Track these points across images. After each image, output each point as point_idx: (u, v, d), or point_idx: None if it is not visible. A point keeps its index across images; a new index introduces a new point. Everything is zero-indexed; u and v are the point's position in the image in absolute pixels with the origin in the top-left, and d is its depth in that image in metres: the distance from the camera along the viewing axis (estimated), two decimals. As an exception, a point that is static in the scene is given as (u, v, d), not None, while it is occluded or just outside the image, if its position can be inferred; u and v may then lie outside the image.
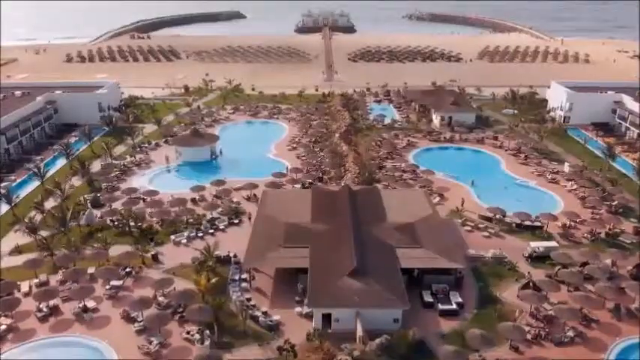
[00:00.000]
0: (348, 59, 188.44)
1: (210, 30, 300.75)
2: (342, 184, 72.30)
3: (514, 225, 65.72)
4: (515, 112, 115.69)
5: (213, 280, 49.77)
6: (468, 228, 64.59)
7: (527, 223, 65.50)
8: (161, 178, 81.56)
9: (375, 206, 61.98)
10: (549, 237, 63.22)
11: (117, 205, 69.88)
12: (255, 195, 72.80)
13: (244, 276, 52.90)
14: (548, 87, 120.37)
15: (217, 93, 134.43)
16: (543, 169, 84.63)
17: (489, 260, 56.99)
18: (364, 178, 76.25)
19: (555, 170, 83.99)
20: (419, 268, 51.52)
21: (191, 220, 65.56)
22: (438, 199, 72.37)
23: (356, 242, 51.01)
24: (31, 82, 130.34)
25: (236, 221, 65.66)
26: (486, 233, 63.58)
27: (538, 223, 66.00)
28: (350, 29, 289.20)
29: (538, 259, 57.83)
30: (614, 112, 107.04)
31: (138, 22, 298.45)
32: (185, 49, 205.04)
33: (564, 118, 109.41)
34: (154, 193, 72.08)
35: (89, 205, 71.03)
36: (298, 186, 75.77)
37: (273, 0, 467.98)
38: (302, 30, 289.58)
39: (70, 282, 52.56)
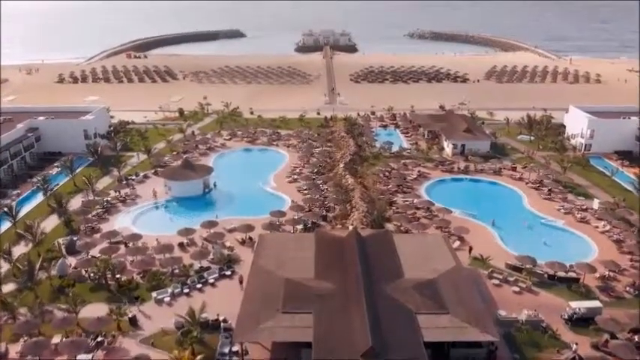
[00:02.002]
0: (351, 80, 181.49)
1: (210, 49, 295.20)
2: (350, 227, 64.17)
3: (546, 276, 57.67)
4: (532, 138, 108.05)
5: (199, 358, 41.30)
6: (496, 281, 56.32)
7: (562, 274, 57.44)
8: (147, 217, 73.49)
9: (389, 257, 53.80)
10: (588, 292, 55.13)
11: (95, 251, 61.79)
12: (250, 238, 64.77)
13: (236, 348, 44.51)
14: (566, 111, 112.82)
15: (214, 117, 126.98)
16: (570, 205, 76.63)
17: (524, 324, 48.64)
18: (374, 218, 68.18)
19: (584, 207, 75.98)
20: (446, 342, 43.19)
21: (177, 271, 57.38)
22: (457, 242, 64.23)
23: (369, 311, 42.67)
24: (14, 106, 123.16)
25: (228, 272, 57.40)
26: (517, 288, 55.31)
27: (573, 274, 58.00)
28: (351, 48, 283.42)
29: (580, 320, 49.62)
30: (638, 139, 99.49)
31: (135, 40, 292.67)
32: (182, 69, 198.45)
33: (585, 145, 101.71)
34: (136, 237, 63.90)
35: (64, 250, 63.03)
36: (300, 227, 67.74)
37: (273, 18, 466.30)
38: (302, 49, 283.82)
39: (31, 357, 44.18)
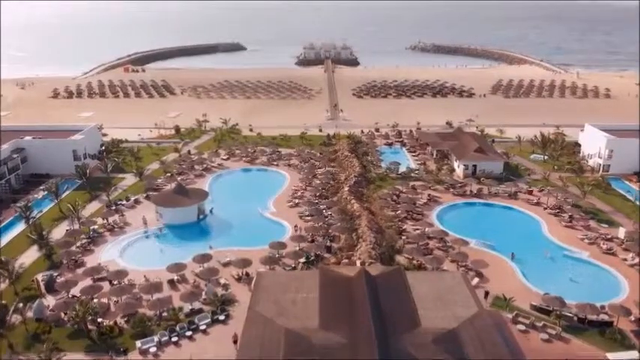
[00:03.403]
0: (353, 95, 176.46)
1: (209, 62, 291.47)
2: (357, 261, 58.42)
3: (576, 319, 51.80)
4: (546, 157, 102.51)
5: None
6: (522, 327, 50.37)
7: (593, 317, 51.58)
8: (135, 249, 67.58)
9: (403, 301, 47.77)
10: (623, 338, 49.23)
11: (76, 289, 55.96)
12: (247, 274, 58.93)
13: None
14: (581, 129, 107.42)
15: (212, 134, 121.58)
16: (594, 234, 70.79)
17: (559, 382, 42.76)
18: (383, 250, 62.39)
19: (609, 236, 70.14)
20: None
21: (165, 314, 51.51)
22: (476, 279, 58.34)
23: (385, 374, 36.73)
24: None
25: (222, 317, 51.44)
26: (545, 335, 49.31)
27: (605, 316, 52.17)
28: (353, 62, 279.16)
29: (619, 375, 43.77)
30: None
31: (133, 54, 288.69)
32: (180, 83, 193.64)
33: (602, 166, 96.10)
34: (122, 274, 57.98)
35: (43, 288, 57.33)
36: (302, 260, 61.87)
37: (274, 31, 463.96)
38: (303, 62, 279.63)
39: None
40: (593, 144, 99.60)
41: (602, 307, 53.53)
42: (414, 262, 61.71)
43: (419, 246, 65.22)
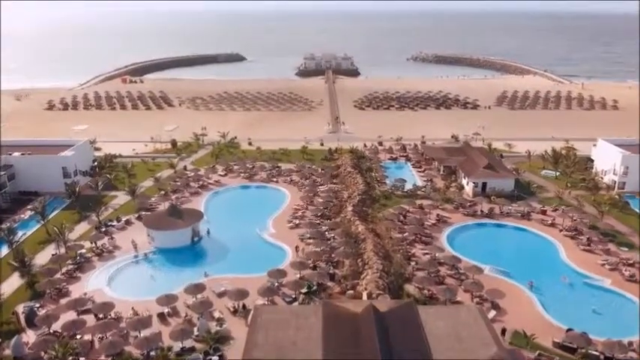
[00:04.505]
0: (355, 106, 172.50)
1: (208, 72, 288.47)
2: (363, 293, 53.87)
3: (602, 358, 47.23)
4: (557, 174, 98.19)
5: None
6: (546, 369, 45.84)
7: (621, 356, 47.00)
8: (124, 276, 62.95)
9: (416, 341, 43.04)
10: (656, 380, 44.70)
11: (58, 324, 51.34)
12: (244, 306, 54.32)
13: None
14: (593, 144, 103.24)
15: (209, 149, 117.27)
16: (614, 258, 66.25)
17: None
18: (391, 280, 57.85)
19: (630, 261, 65.60)
20: None
21: (153, 353, 46.88)
22: (492, 312, 53.72)
23: None
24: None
25: (215, 358, 46.75)
26: (573, 379, 44.81)
27: (634, 354, 47.61)
28: (354, 72, 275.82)
29: None
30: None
31: (132, 64, 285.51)
32: (178, 94, 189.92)
33: (617, 183, 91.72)
34: (108, 307, 53.34)
35: (23, 322, 52.79)
36: (303, 290, 57.28)
37: (274, 41, 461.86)
38: (304, 73, 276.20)
39: None
40: (608, 160, 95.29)
41: (630, 343, 49.05)
42: (425, 291, 57.14)
43: (429, 273, 60.67)
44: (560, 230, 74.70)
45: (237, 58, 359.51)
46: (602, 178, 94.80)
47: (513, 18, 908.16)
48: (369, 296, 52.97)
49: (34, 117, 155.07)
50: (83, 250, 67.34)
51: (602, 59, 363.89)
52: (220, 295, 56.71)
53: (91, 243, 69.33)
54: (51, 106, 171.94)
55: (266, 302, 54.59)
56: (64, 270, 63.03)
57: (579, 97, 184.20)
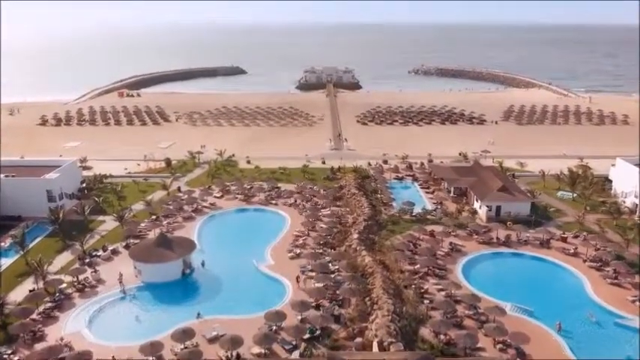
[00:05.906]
0: (357, 121, 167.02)
1: (208, 86, 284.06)
2: (374, 344, 47.64)
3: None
4: (575, 195, 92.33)
5: None
6: None
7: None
8: (107, 316, 56.68)
9: (436, 407, 37.17)
10: None
11: (27, 377, 45.30)
12: (238, 356, 48.13)
13: None
14: (612, 164, 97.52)
15: (205, 168, 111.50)
16: (647, 294, 60.19)
17: None
18: (404, 324, 51.68)
19: (664, 297, 59.50)
20: None
21: (134, 417, 40.79)
22: (519, 363, 47.58)
23: None
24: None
25: None
26: None
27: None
28: (355, 86, 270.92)
29: None
30: None
31: (129, 78, 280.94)
32: (176, 109, 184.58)
33: (639, 207, 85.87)
34: (85, 355, 47.16)
35: (-10, 372, 46.76)
36: (305, 336, 51.00)
37: (275, 55, 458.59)
38: (304, 87, 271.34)
39: None
40: (628, 181, 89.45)
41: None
42: (442, 336, 50.94)
43: (446, 314, 54.51)
44: (584, 261, 68.61)
45: (237, 72, 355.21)
46: (624, 201, 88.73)
47: (511, 31, 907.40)
48: (380, 345, 46.82)
49: (25, 133, 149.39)
50: (63, 285, 61.21)
51: (604, 72, 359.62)
52: (212, 340, 50.50)
53: (73, 277, 63.13)
54: (44, 122, 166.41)
55: (263, 351, 48.39)
56: (41, 309, 56.93)
57: (588, 111, 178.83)
